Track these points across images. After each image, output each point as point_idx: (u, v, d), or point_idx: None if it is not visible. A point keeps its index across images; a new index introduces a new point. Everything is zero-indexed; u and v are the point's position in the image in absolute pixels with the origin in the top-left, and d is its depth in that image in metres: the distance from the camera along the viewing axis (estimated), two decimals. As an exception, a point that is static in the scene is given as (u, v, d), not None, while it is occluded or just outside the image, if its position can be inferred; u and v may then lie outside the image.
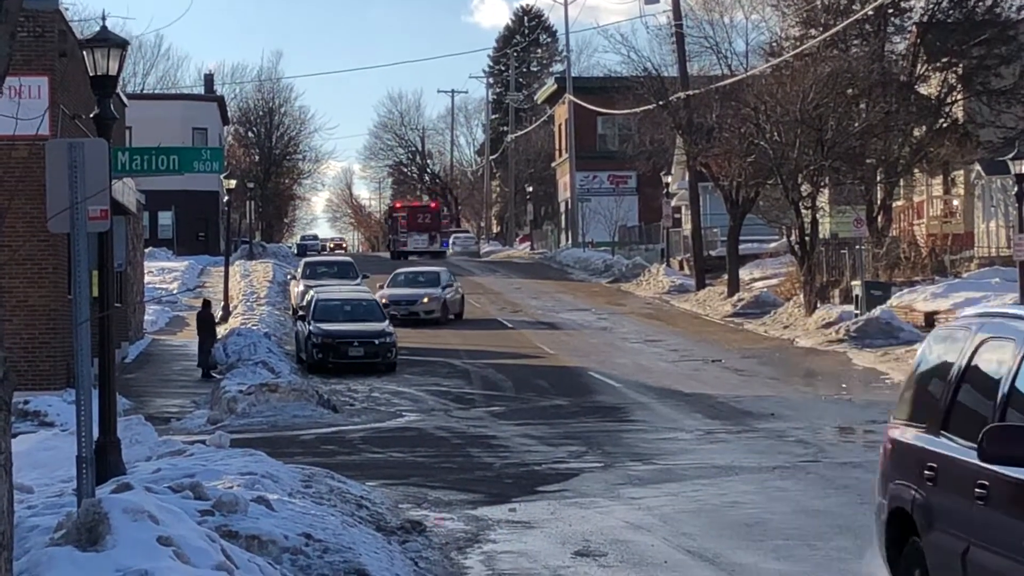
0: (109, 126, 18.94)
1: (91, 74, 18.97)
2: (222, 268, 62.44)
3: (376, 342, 42.08)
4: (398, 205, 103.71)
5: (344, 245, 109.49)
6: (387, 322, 43.82)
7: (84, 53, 19.02)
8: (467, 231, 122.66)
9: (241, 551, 13.72)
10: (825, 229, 62.94)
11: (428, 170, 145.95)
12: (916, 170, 62.59)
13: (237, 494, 15.78)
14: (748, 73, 59.99)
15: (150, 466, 19.54)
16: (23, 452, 19.61)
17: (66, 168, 14.50)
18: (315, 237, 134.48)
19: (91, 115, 19.36)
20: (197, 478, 16.96)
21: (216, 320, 45.26)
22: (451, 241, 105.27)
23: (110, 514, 12.21)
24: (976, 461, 9.74)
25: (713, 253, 69.91)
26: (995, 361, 10.44)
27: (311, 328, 42.67)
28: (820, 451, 24.70)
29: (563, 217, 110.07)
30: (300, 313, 45.60)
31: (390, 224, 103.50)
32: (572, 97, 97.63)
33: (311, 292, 46.75)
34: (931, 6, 61.68)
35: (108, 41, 18.87)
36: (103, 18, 19.78)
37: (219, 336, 43.09)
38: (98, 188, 14.62)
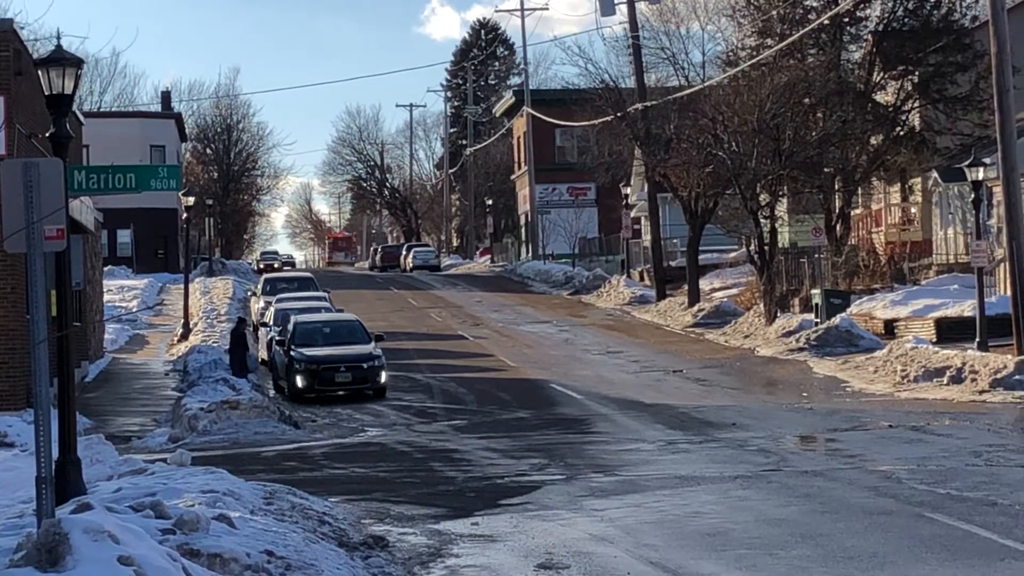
0: (65, 145, 18.86)
1: (46, 93, 18.88)
2: (182, 285, 62.30)
3: (364, 366, 39.38)
4: (329, 237, 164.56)
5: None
6: (373, 344, 40.90)
7: (39, 72, 18.92)
8: (427, 245, 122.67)
9: (203, 569, 13.69)
10: (784, 238, 63.22)
11: (387, 184, 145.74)
12: (874, 178, 62.81)
13: (198, 512, 15.72)
14: (705, 84, 60.16)
15: (111, 485, 19.46)
16: (-18, 473, 19.53)
17: (21, 188, 14.46)
18: (275, 253, 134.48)
19: (47, 134, 19.28)
20: (158, 497, 16.89)
21: (245, 336, 42.88)
22: (411, 255, 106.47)
23: (70, 534, 12.17)
24: None
25: (673, 264, 70.10)
26: None
27: (293, 354, 39.85)
28: (782, 460, 24.72)
29: (523, 230, 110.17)
30: (273, 335, 43.45)
31: (328, 247, 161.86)
32: (530, 110, 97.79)
33: (291, 317, 43.82)
34: (886, 15, 61.89)
35: (63, 60, 18.78)
36: (58, 37, 19.72)
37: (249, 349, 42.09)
38: (54, 208, 14.57)
